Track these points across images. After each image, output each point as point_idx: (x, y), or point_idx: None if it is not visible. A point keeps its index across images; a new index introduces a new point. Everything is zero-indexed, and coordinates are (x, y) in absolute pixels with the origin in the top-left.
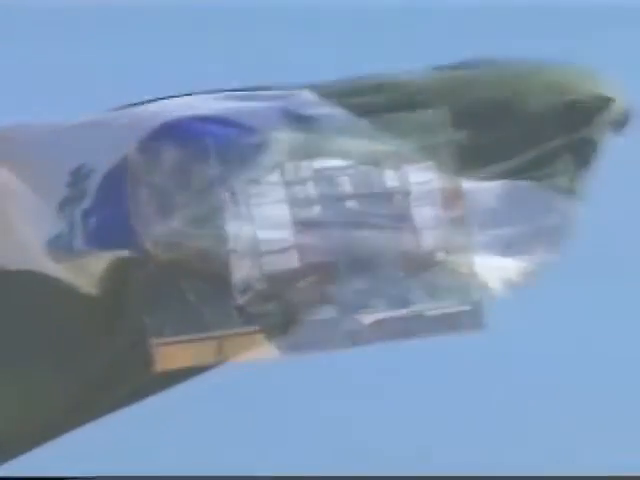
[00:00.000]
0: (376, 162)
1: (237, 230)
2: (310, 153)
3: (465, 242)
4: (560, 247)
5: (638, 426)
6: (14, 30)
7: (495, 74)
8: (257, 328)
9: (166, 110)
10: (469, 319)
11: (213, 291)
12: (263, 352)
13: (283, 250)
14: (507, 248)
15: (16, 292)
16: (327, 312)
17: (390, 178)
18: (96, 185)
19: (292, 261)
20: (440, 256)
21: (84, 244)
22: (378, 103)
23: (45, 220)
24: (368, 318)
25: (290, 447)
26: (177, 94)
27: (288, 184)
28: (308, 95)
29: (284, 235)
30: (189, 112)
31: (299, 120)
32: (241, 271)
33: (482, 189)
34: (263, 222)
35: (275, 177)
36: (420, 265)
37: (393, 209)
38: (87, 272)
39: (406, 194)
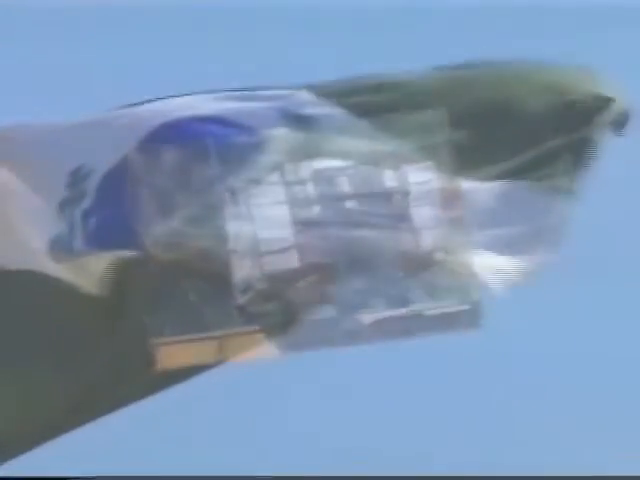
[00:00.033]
0: (375, 162)
1: (237, 230)
2: (309, 153)
3: (464, 242)
4: (559, 247)
5: (637, 426)
6: (14, 30)
7: (494, 74)
8: (257, 328)
9: (166, 110)
10: (468, 319)
11: (213, 291)
12: (263, 351)
13: (283, 250)
14: (506, 248)
15: (17, 292)
16: (327, 312)
17: (389, 178)
18: (95, 185)
19: (292, 261)
20: (439, 256)
21: (84, 245)
22: (377, 103)
23: (45, 220)
24: (368, 318)
25: (290, 447)
26: (177, 94)
27: (288, 184)
28: (307, 95)
29: (284, 235)
30: (188, 112)
31: (298, 120)
32: (241, 271)
33: (481, 189)
34: (263, 222)
35: (275, 177)
36: (419, 265)
37: (392, 209)
38: (88, 272)
39: (405, 194)
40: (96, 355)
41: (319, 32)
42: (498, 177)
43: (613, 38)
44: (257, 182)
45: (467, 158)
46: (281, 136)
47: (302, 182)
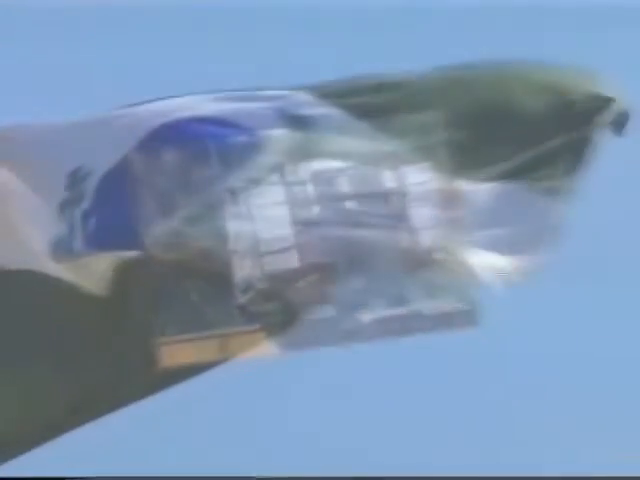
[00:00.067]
0: (374, 162)
1: (238, 230)
2: (308, 154)
3: (462, 242)
4: (557, 247)
5: (636, 425)
6: (14, 30)
7: (494, 74)
8: (258, 327)
9: (165, 111)
10: (466, 318)
11: (214, 290)
12: (264, 350)
13: (283, 250)
14: (504, 248)
15: (17, 292)
16: (327, 311)
17: (388, 178)
18: (95, 186)
19: (292, 261)
20: (438, 255)
21: (84, 245)
22: (376, 103)
23: (45, 220)
24: (367, 317)
25: (290, 447)
26: (176, 94)
27: (287, 184)
28: (306, 96)
29: (284, 235)
30: (188, 113)
31: (297, 121)
32: (242, 271)
33: (480, 189)
34: (263, 222)
35: (274, 178)
36: (418, 264)
37: (391, 209)
38: (88, 272)
39: (404, 194)
40: (97, 355)
41: (319, 32)
42: (497, 177)
43: (613, 38)
44: (257, 182)
45: (466, 158)
46: (280, 137)
47: (302, 182)
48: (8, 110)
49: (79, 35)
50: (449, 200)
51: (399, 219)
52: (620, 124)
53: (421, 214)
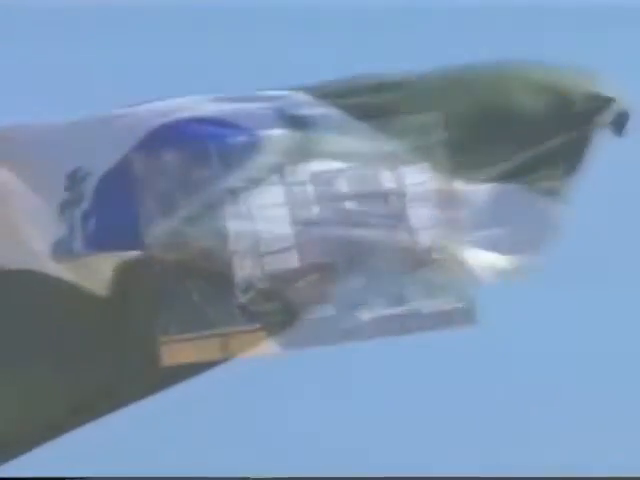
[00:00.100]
0: (374, 163)
1: (238, 231)
2: (307, 154)
3: (461, 241)
4: (555, 246)
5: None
6: (14, 30)
7: (493, 75)
8: (259, 326)
9: (164, 111)
10: (464, 316)
11: (216, 290)
12: (265, 349)
13: (283, 250)
14: (502, 247)
15: (18, 293)
16: (327, 310)
17: (387, 179)
18: (93, 187)
19: (292, 261)
20: (436, 255)
21: (85, 245)
22: (375, 104)
23: (46, 220)
24: (366, 315)
25: (290, 447)
26: (175, 95)
27: (287, 185)
28: (305, 96)
29: (284, 235)
30: (187, 113)
31: (296, 121)
32: (243, 271)
33: (478, 189)
34: (263, 222)
35: (274, 178)
36: (417, 264)
37: (390, 209)
38: (90, 273)
39: (403, 195)
40: (98, 355)
41: (318, 32)
42: (497, 177)
43: (613, 38)
44: (256, 183)
45: (466, 158)
46: (280, 137)
47: (301, 183)
48: (8, 110)
49: (79, 35)
50: (448, 200)
51: (398, 219)
52: (620, 124)
53: (420, 214)
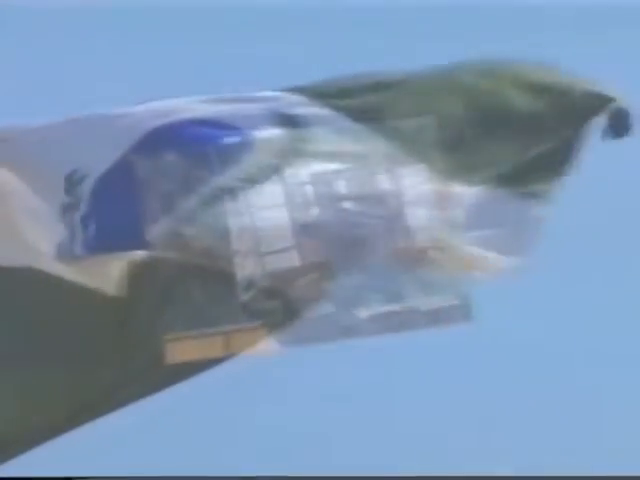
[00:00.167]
0: (369, 164)
1: (240, 231)
2: (302, 155)
3: (455, 241)
4: (550, 244)
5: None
6: (14, 30)
7: (493, 75)
8: (260, 323)
9: (162, 112)
10: (460, 313)
11: (218, 289)
12: (266, 346)
13: (284, 250)
14: (496, 246)
15: (21, 293)
16: (326, 307)
17: (384, 180)
18: (90, 190)
19: (292, 260)
20: (431, 254)
21: (88, 246)
22: (370, 104)
23: (47, 221)
24: (364, 313)
25: (290, 445)
26: (172, 96)
27: (286, 186)
28: (302, 97)
29: (284, 235)
30: (184, 114)
31: (291, 122)
32: (244, 270)
33: (475, 190)
34: (264, 223)
35: (274, 180)
36: (413, 262)
37: (387, 209)
38: (93, 273)
39: (399, 196)
40: (101, 355)
41: (318, 32)
42: (495, 178)
43: (613, 38)
44: (254, 183)
45: (463, 159)
46: (275, 138)
47: (300, 184)
48: (8, 110)
49: (79, 35)
50: (444, 200)
51: (395, 219)
52: (620, 124)
53: (416, 214)
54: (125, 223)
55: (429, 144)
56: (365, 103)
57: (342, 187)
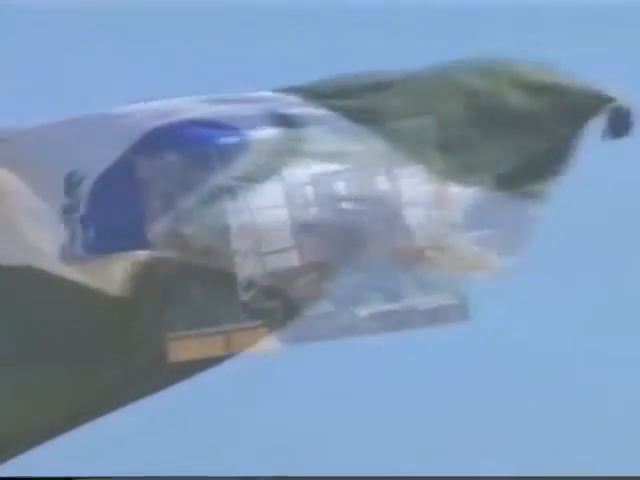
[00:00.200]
0: (367, 164)
1: (240, 231)
2: (299, 155)
3: (453, 240)
4: (547, 244)
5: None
6: (14, 30)
7: (492, 74)
8: (261, 322)
9: (159, 113)
10: (458, 312)
11: (219, 288)
12: (267, 345)
13: (284, 249)
14: (494, 246)
15: (20, 293)
16: (325, 306)
17: (383, 181)
18: (89, 191)
19: (292, 260)
20: (430, 253)
21: (87, 252)
22: (367, 104)
23: (47, 221)
24: (363, 311)
25: (291, 444)
26: (170, 96)
27: (286, 187)
28: (300, 97)
29: (284, 235)
30: (183, 115)
31: (293, 122)
32: (245, 269)
33: (473, 190)
34: (264, 223)
35: (273, 180)
36: (411, 262)
37: (385, 209)
38: (95, 274)
39: (398, 196)
40: (103, 355)
41: (318, 32)
42: (493, 178)
43: (613, 38)
44: (253, 183)
45: (462, 159)
46: (272, 138)
47: (300, 185)
48: (8, 110)
49: (79, 35)
50: (443, 200)
51: (394, 219)
52: (620, 124)
53: (415, 214)
54: (125, 223)
55: (428, 144)
56: (364, 103)
57: (342, 187)
